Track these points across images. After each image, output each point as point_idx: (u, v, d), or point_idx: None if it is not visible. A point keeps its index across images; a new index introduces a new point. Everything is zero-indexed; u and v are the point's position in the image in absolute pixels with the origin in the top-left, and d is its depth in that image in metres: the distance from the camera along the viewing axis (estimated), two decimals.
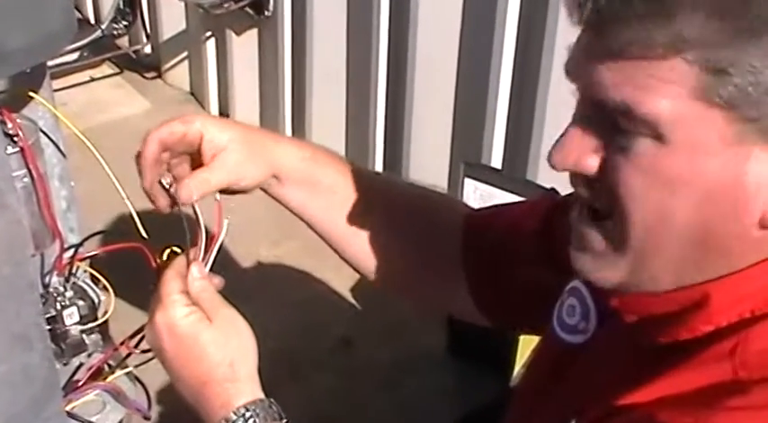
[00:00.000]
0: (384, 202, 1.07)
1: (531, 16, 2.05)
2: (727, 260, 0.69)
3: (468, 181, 2.01)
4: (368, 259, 1.07)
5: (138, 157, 0.93)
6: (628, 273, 0.72)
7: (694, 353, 0.70)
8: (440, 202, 1.16)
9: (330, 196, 1.03)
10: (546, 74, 2.05)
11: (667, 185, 0.66)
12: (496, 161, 2.25)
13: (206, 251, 0.92)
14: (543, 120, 2.10)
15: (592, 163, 0.70)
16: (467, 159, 2.11)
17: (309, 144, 1.05)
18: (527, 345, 1.97)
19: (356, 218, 1.03)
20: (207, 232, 0.92)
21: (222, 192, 0.96)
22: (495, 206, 1.17)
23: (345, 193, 1.03)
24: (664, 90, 0.63)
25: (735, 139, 0.63)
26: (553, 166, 0.71)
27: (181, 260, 0.91)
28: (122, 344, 0.98)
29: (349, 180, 1.03)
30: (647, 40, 0.62)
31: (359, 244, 1.06)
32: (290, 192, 1.02)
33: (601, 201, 0.71)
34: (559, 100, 2.07)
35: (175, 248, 0.94)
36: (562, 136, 0.71)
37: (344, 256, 1.09)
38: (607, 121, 0.67)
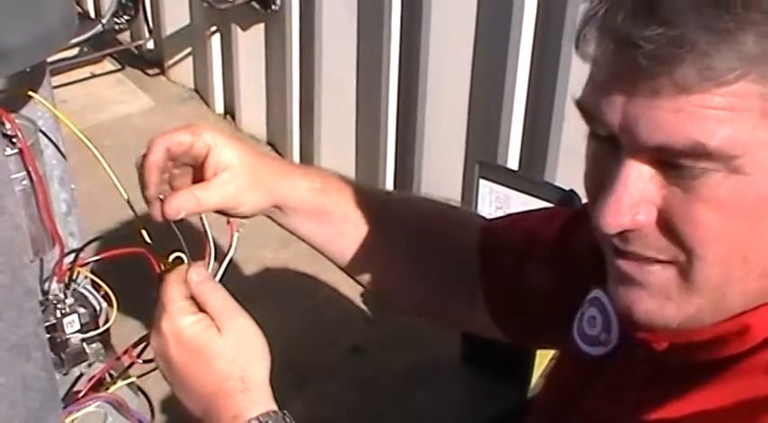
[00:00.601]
0: (398, 225, 1.06)
1: (549, 10, 2.01)
2: None
3: (483, 182, 1.97)
4: (383, 283, 1.07)
5: (141, 163, 0.90)
6: (695, 311, 0.67)
7: (727, 367, 0.68)
8: (454, 218, 1.15)
9: (342, 225, 1.02)
10: (565, 70, 2.01)
11: (748, 217, 0.62)
12: (513, 162, 2.21)
13: (214, 264, 0.90)
14: (562, 118, 2.06)
15: (650, 216, 0.65)
16: (482, 159, 2.05)
17: (321, 172, 1.04)
18: (545, 354, 1.94)
19: (369, 244, 1.03)
20: (215, 244, 0.90)
21: (216, 213, 0.94)
22: (511, 215, 1.16)
23: (357, 220, 1.02)
24: (733, 117, 0.59)
25: None
26: (606, 232, 0.65)
27: (184, 267, 0.88)
28: (125, 353, 0.96)
29: (361, 207, 1.02)
30: (707, 71, 0.58)
31: (373, 269, 1.06)
32: (295, 222, 1.01)
33: (655, 248, 0.66)
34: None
35: (180, 254, 0.91)
36: (605, 195, 0.65)
37: (358, 280, 1.08)
38: (664, 164, 0.62)
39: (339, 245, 1.03)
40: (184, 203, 0.89)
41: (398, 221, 1.06)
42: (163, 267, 0.92)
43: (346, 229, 1.02)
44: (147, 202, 0.91)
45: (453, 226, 1.09)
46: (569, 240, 0.96)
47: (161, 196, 0.90)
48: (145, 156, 0.90)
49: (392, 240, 1.05)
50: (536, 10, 2.04)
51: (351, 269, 1.06)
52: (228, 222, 0.92)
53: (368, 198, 1.03)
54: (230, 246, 0.90)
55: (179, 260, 0.91)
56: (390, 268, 1.06)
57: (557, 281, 0.96)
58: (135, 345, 0.94)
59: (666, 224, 0.64)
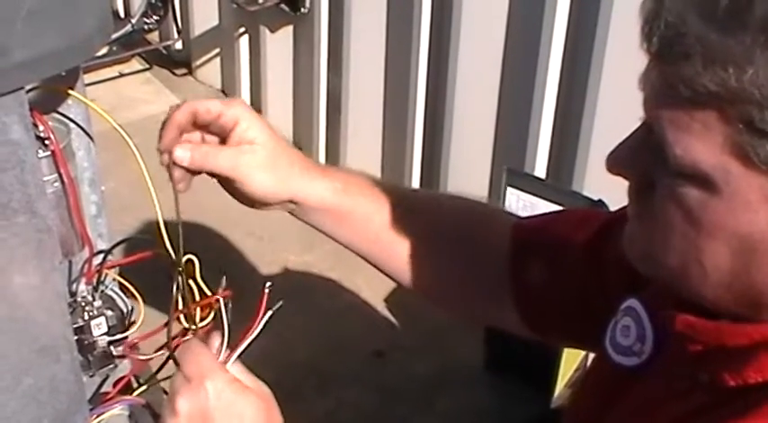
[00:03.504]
0: (426, 222, 1.06)
1: (581, 16, 1.99)
2: None
3: (510, 190, 1.96)
4: (409, 276, 1.06)
5: (166, 119, 0.92)
6: (667, 277, 0.71)
7: (763, 399, 0.66)
8: (485, 215, 1.14)
9: (365, 224, 1.02)
10: (596, 78, 1.99)
11: (706, 230, 0.64)
12: (540, 170, 2.19)
13: (231, 344, 0.86)
14: (591, 126, 2.04)
15: (638, 177, 0.70)
16: (509, 166, 2.03)
17: (345, 173, 1.03)
18: (569, 362, 1.92)
19: (395, 241, 1.03)
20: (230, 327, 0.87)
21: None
22: (544, 215, 1.15)
23: (382, 220, 1.02)
24: (700, 137, 0.61)
25: None
26: (608, 166, 0.72)
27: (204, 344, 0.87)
28: (150, 359, 0.95)
29: (386, 206, 1.02)
30: (691, 82, 0.59)
31: (399, 263, 1.05)
32: (314, 220, 1.01)
33: (644, 214, 0.71)
34: (609, 105, 2.04)
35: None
36: (629, 137, 0.70)
37: (383, 270, 1.08)
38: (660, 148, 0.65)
39: (363, 245, 1.04)
40: (194, 152, 0.90)
41: (428, 219, 1.06)
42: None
43: (369, 229, 1.02)
44: (160, 153, 0.92)
45: (485, 220, 1.09)
46: (603, 245, 0.95)
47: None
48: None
49: (420, 237, 1.04)
50: (567, 15, 2.02)
51: (375, 261, 1.06)
52: (262, 290, 0.88)
53: (393, 198, 1.03)
54: (257, 321, 0.85)
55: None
56: (418, 264, 1.05)
57: (587, 287, 0.96)
58: (158, 350, 0.92)
59: (648, 198, 0.68)
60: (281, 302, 0.85)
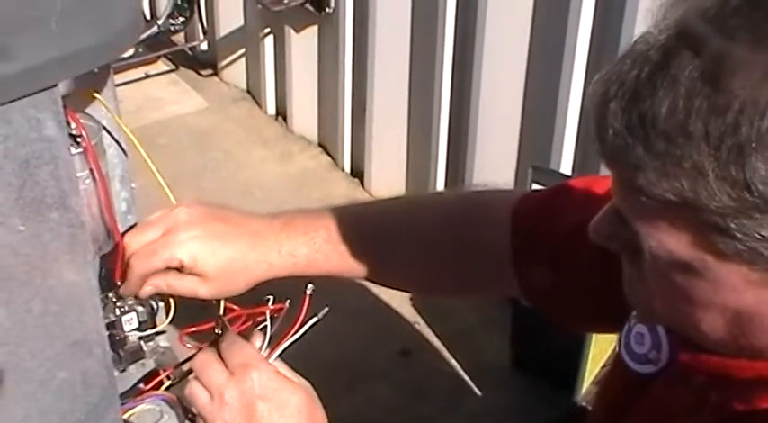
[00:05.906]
0: (410, 249, 1.04)
1: (606, 14, 1.98)
2: None
3: (536, 187, 1.94)
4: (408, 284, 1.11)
5: (122, 281, 0.94)
6: (669, 328, 0.72)
7: None
8: (477, 204, 1.10)
9: (349, 272, 1.03)
10: None
11: (697, 303, 0.64)
12: (566, 166, 2.18)
13: (275, 339, 0.88)
14: None
15: (623, 250, 0.70)
16: (535, 163, 2.03)
17: (311, 234, 1.00)
18: (596, 361, 1.91)
19: (384, 260, 1.03)
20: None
21: None
22: (548, 202, 1.05)
23: (361, 267, 1.02)
24: (670, 233, 0.60)
25: (762, 283, 0.59)
26: (590, 237, 0.72)
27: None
28: (186, 361, 0.96)
29: (362, 256, 1.01)
30: (648, 191, 0.58)
31: (392, 277, 1.07)
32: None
33: (638, 276, 0.70)
34: None
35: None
36: (607, 210, 0.70)
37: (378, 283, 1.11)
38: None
39: (357, 276, 1.04)
40: (155, 284, 0.93)
41: (412, 246, 1.04)
42: None
43: (356, 274, 1.03)
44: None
45: (474, 219, 1.06)
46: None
47: None
48: (126, 271, 0.92)
49: (406, 260, 1.04)
50: (593, 13, 2.01)
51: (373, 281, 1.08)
52: (304, 294, 0.89)
53: (370, 241, 1.02)
54: (298, 324, 0.86)
55: None
56: (411, 281, 1.07)
57: (597, 280, 0.93)
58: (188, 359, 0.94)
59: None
60: (326, 309, 0.87)
